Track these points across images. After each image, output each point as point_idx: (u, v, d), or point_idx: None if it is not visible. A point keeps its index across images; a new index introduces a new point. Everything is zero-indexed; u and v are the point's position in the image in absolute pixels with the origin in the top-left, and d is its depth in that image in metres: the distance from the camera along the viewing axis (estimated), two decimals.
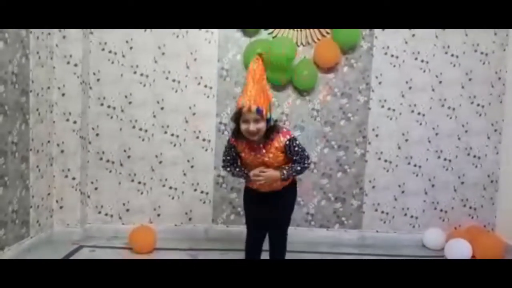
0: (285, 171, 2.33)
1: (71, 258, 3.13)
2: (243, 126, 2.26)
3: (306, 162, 2.36)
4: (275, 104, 3.63)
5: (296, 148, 2.32)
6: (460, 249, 3.30)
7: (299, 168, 2.35)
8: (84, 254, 3.23)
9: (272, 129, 2.30)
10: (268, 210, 2.46)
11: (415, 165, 3.76)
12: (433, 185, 3.78)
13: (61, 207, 3.54)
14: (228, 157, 2.46)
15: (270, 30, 3.62)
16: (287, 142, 2.30)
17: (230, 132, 2.62)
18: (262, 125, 2.24)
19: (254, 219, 2.56)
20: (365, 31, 3.65)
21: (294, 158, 2.34)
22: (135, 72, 3.63)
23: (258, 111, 2.21)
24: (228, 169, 2.48)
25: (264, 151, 2.33)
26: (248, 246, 2.59)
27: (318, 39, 3.63)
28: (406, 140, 3.74)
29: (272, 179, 2.34)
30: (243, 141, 2.35)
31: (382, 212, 3.79)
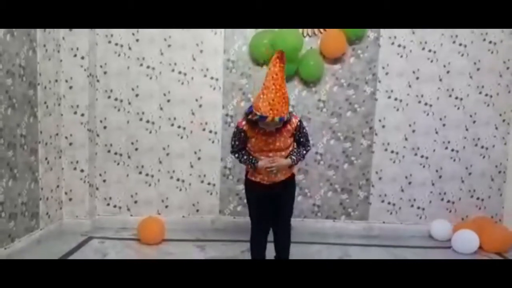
0: (293, 157, 2.42)
1: (81, 249, 3.18)
2: (263, 125, 2.30)
3: (309, 145, 2.51)
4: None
5: (304, 130, 2.46)
6: (467, 240, 3.31)
7: (304, 151, 2.47)
8: (93, 246, 3.27)
9: (287, 120, 2.37)
10: (272, 201, 2.47)
11: (422, 156, 3.75)
12: (440, 176, 3.77)
13: (70, 199, 3.58)
14: (237, 142, 2.46)
15: None
16: (299, 123, 2.43)
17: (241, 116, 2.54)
18: (280, 125, 2.34)
19: (259, 211, 2.52)
20: None
21: (301, 140, 2.45)
22: (141, 65, 3.64)
23: (281, 119, 2.26)
24: (237, 155, 2.49)
25: (277, 135, 2.37)
26: (254, 242, 2.57)
27: (325, 29, 3.60)
28: (413, 131, 3.72)
29: (283, 167, 2.40)
30: (256, 128, 2.37)
31: (389, 203, 3.78)
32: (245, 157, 2.45)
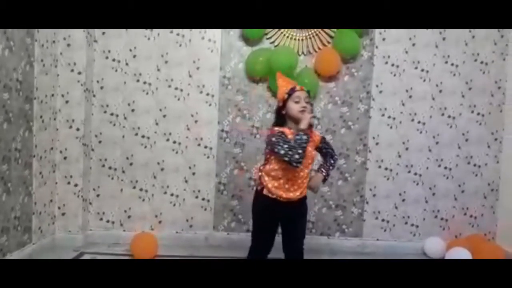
0: (324, 170, 2.44)
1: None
2: (295, 106, 2.25)
3: (335, 154, 2.51)
4: None
5: (327, 141, 2.49)
6: (460, 258, 3.30)
7: (332, 161, 2.46)
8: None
9: (310, 128, 2.35)
10: (284, 224, 2.38)
11: (415, 174, 3.78)
12: (433, 194, 3.79)
13: (63, 214, 3.56)
14: (286, 145, 2.15)
15: (272, 39, 3.65)
16: (322, 136, 2.46)
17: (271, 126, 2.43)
18: (310, 108, 2.29)
19: (264, 234, 2.40)
20: (366, 41, 3.69)
21: (328, 150, 2.46)
22: (138, 80, 3.67)
23: (308, 92, 2.33)
24: (299, 150, 2.14)
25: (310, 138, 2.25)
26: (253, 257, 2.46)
27: (319, 48, 3.66)
28: (407, 148, 3.76)
29: (318, 183, 2.43)
30: (286, 130, 2.26)
31: (383, 220, 3.79)
32: (304, 139, 2.17)
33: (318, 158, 2.54)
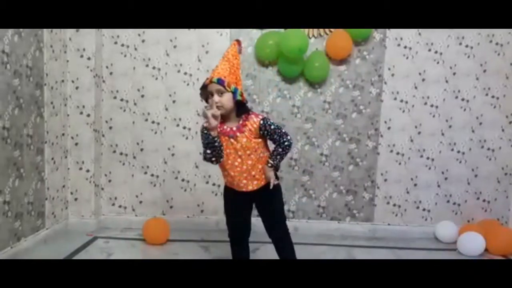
0: (270, 161, 2.19)
1: (86, 249, 3.19)
2: (209, 102, 2.15)
3: (285, 139, 2.16)
4: (286, 96, 3.65)
5: (272, 127, 2.15)
6: (473, 243, 3.28)
7: (280, 149, 2.17)
8: (98, 245, 3.28)
9: (242, 106, 2.16)
10: (257, 207, 2.35)
11: (427, 158, 3.73)
12: (446, 178, 3.75)
13: (75, 199, 3.60)
14: (205, 140, 2.18)
15: None
16: (262, 122, 2.14)
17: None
18: (226, 98, 2.09)
19: (235, 224, 2.43)
20: None
21: (274, 137, 2.17)
22: (147, 65, 3.65)
23: (219, 80, 2.08)
24: (207, 152, 2.17)
25: (238, 134, 2.14)
26: (232, 249, 2.46)
27: (330, 30, 3.60)
28: (419, 132, 3.71)
29: (269, 174, 2.21)
30: (219, 128, 2.17)
31: (394, 205, 3.77)
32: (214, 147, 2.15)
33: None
